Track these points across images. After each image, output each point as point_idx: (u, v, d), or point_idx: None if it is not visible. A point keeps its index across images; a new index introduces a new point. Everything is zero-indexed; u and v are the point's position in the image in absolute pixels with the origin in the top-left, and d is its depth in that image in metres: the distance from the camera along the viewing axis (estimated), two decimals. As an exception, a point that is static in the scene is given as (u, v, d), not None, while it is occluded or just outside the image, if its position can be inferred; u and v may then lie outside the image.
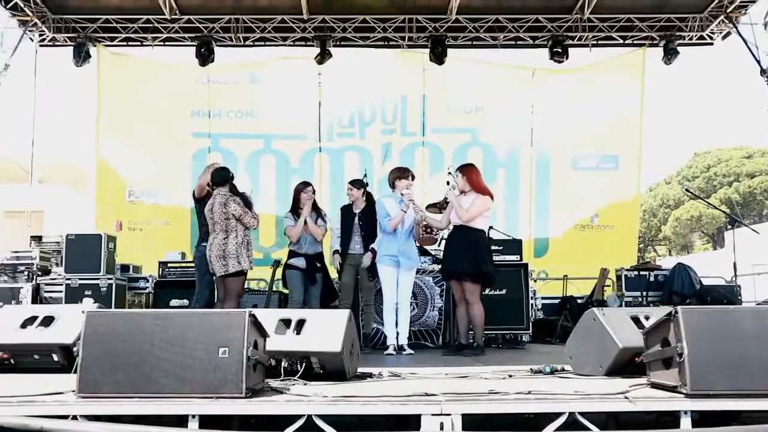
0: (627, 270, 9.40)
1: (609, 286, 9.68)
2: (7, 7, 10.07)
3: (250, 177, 10.76)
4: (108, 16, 10.67)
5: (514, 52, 11.71)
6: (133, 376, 3.19)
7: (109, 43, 11.01)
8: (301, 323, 4.06)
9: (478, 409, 3.04)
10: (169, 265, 8.66)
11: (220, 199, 6.42)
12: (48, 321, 4.63)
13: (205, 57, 10.60)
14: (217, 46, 10.78)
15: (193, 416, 2.99)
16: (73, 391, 3.22)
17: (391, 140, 11.25)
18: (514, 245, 8.30)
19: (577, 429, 3.03)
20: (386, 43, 11.11)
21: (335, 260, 7.35)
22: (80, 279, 8.29)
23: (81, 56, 10.62)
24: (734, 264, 8.86)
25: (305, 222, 7.14)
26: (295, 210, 7.28)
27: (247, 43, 11.04)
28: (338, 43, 10.95)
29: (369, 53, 11.26)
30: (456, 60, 11.05)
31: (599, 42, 11.21)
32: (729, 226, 9.39)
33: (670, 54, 10.84)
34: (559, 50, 10.71)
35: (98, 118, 11.03)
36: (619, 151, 11.33)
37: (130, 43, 11.12)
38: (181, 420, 3.01)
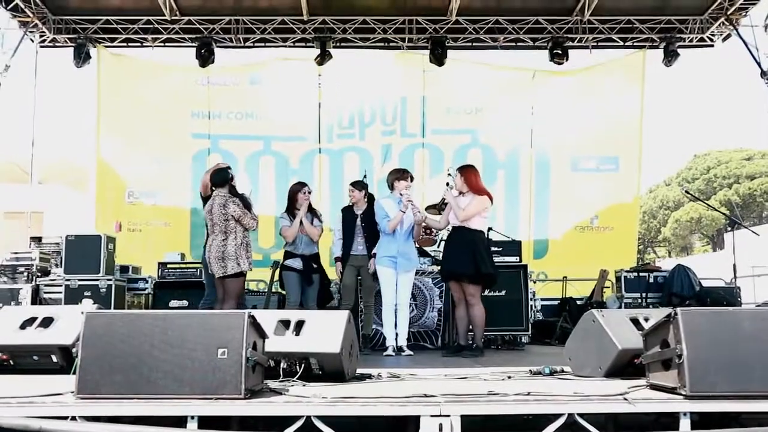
0: (626, 271, 9.40)
1: (608, 287, 9.68)
2: (8, 8, 10.08)
3: (250, 178, 10.77)
4: (108, 17, 10.68)
5: (514, 54, 11.75)
6: (132, 377, 3.19)
7: (109, 44, 11.02)
8: (300, 324, 4.06)
9: (477, 411, 3.04)
10: (169, 266, 8.67)
11: (219, 200, 6.41)
12: (47, 322, 4.63)
13: (205, 58, 10.61)
14: (217, 47, 10.79)
15: (192, 417, 2.98)
16: (72, 392, 3.22)
17: (391, 141, 11.25)
18: (513, 246, 8.30)
19: (576, 430, 3.03)
20: (386, 44, 11.12)
21: (337, 268, 7.35)
22: (80, 280, 8.29)
23: (81, 57, 10.62)
24: (734, 266, 8.85)
25: (301, 222, 7.13)
26: (291, 210, 7.26)
27: (247, 44, 11.05)
28: (338, 44, 10.96)
29: (369, 54, 11.27)
30: (456, 61, 11.06)
31: (599, 44, 11.22)
32: (729, 228, 9.39)
33: (670, 56, 10.85)
34: (559, 52, 10.72)
35: (98, 118, 11.04)
36: (619, 153, 11.33)
37: (130, 44, 11.13)
38: (180, 421, 3.00)
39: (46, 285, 8.72)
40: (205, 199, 6.92)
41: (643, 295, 9.12)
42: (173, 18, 10.59)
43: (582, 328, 4.36)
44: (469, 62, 11.41)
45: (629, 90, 11.33)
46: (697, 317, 3.27)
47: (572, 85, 11.43)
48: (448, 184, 6.73)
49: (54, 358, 4.50)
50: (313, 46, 10.81)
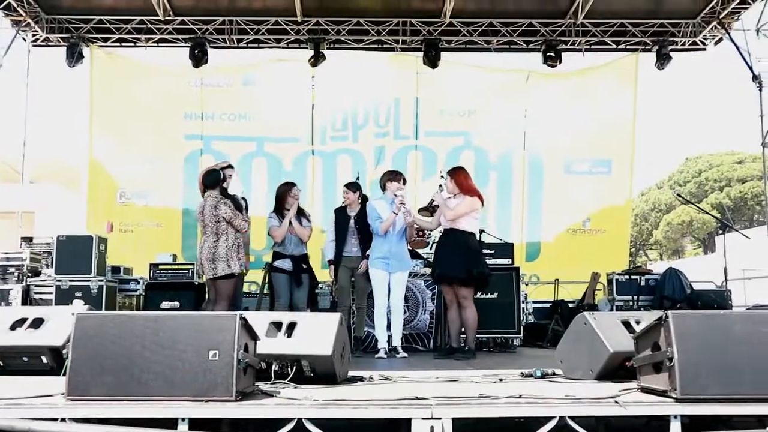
0: (618, 274, 9.42)
1: (600, 290, 9.71)
2: (0, 6, 10.04)
3: (242, 180, 10.72)
4: (101, 17, 10.66)
5: (508, 57, 11.78)
6: (123, 378, 3.17)
7: (102, 43, 10.99)
8: (291, 326, 4.05)
9: (468, 413, 3.04)
10: (160, 267, 8.64)
11: (210, 202, 6.41)
12: (38, 323, 4.60)
13: (198, 58, 10.59)
14: (211, 47, 10.77)
15: (183, 419, 2.97)
16: (62, 393, 3.20)
17: (384, 143, 11.24)
18: (505, 249, 8.31)
19: (567, 433, 3.03)
20: (380, 46, 11.13)
21: (330, 271, 7.34)
22: (70, 280, 8.25)
23: (74, 57, 10.59)
24: (725, 269, 8.88)
25: (290, 223, 7.11)
26: (279, 210, 7.25)
27: (240, 45, 11.04)
28: (332, 45, 10.95)
29: (362, 56, 11.26)
30: (449, 64, 11.07)
31: (592, 47, 11.26)
32: (720, 231, 9.41)
33: (662, 59, 10.89)
34: (553, 55, 10.76)
35: (91, 118, 11.00)
36: (612, 156, 11.36)
37: (123, 44, 11.10)
38: (171, 423, 2.99)
39: (36, 285, 8.66)
40: None
41: (635, 297, 9.15)
42: (167, 18, 10.57)
43: (573, 331, 4.36)
44: (463, 65, 11.42)
45: (622, 93, 11.37)
46: (688, 320, 3.27)
47: (565, 88, 11.45)
48: (441, 186, 6.74)
49: (44, 359, 4.47)
50: (306, 48, 10.81)
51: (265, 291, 7.66)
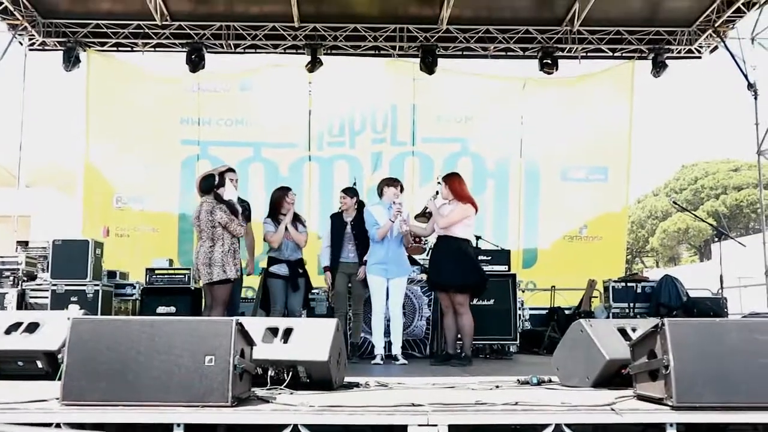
0: (614, 281, 9.44)
1: (596, 297, 9.71)
2: (-3, 10, 10.05)
3: (239, 185, 10.71)
4: (98, 21, 10.65)
5: (504, 64, 11.80)
6: (118, 383, 3.17)
7: (99, 48, 10.98)
8: (288, 332, 4.05)
9: (464, 420, 3.03)
10: (156, 271, 8.62)
11: (206, 207, 6.39)
12: (33, 327, 4.59)
13: (195, 63, 10.59)
14: (208, 52, 10.77)
15: (178, 425, 2.96)
16: (57, 398, 3.19)
17: (381, 149, 11.25)
18: (502, 256, 8.31)
19: (563, 440, 3.03)
20: (377, 52, 11.14)
21: (326, 278, 7.32)
22: (66, 285, 8.21)
23: (71, 61, 10.58)
24: (721, 276, 8.90)
25: (286, 228, 7.09)
26: (275, 215, 7.23)
27: (237, 50, 11.04)
28: (329, 51, 10.96)
29: (360, 62, 11.28)
30: (446, 71, 11.09)
31: (589, 54, 11.29)
32: (716, 239, 9.45)
33: (658, 67, 10.93)
34: (549, 62, 10.79)
35: (87, 123, 10.99)
36: (608, 163, 11.39)
37: (120, 49, 11.09)
38: (166, 428, 2.98)
39: (32, 290, 8.62)
40: None
41: (631, 305, 9.16)
42: (164, 23, 10.57)
43: (570, 338, 4.36)
44: (459, 72, 11.44)
45: (618, 100, 11.41)
46: (684, 328, 3.27)
47: (561, 95, 11.48)
48: (437, 192, 6.75)
49: (39, 364, 4.45)
50: (304, 53, 10.82)
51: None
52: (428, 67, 10.71)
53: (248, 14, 10.69)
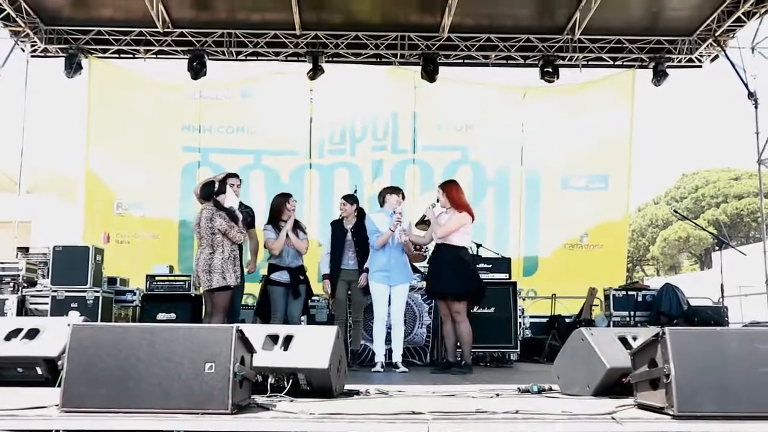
0: (615, 290, 9.43)
1: (597, 305, 9.70)
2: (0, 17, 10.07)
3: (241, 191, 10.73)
4: (100, 28, 10.68)
5: (505, 73, 11.83)
6: (118, 390, 3.16)
7: (101, 55, 11.00)
8: (288, 339, 4.05)
9: (465, 429, 3.03)
10: (157, 278, 8.61)
11: (206, 214, 6.40)
12: (33, 334, 4.59)
13: (197, 70, 10.61)
14: (210, 59, 10.79)
15: (178, 432, 2.96)
16: (57, 405, 3.18)
17: (381, 157, 11.25)
18: (503, 264, 8.31)
19: (564, 449, 3.02)
20: (378, 59, 11.16)
21: (325, 285, 7.31)
22: (66, 291, 8.21)
23: (72, 68, 10.60)
24: (721, 285, 8.90)
25: (287, 235, 7.08)
26: (275, 222, 7.22)
27: (239, 57, 11.06)
28: (330, 59, 10.99)
29: (361, 70, 11.29)
30: (447, 80, 11.11)
31: (590, 62, 11.31)
32: (716, 248, 9.45)
33: (659, 76, 10.95)
34: (550, 70, 10.81)
35: (88, 129, 11.00)
36: (609, 171, 11.39)
37: (122, 56, 11.11)
38: (166, 436, 2.98)
39: (32, 296, 8.62)
40: None
41: (632, 313, 9.15)
42: (165, 30, 10.60)
43: (571, 347, 4.36)
44: (460, 81, 11.46)
45: (619, 108, 11.42)
46: (685, 337, 3.27)
47: (562, 102, 11.50)
48: (437, 200, 6.75)
49: (39, 371, 4.45)
50: (305, 61, 10.85)
51: (253, 303, 7.64)
52: (429, 75, 10.73)
53: (250, 22, 10.72)
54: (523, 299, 9.83)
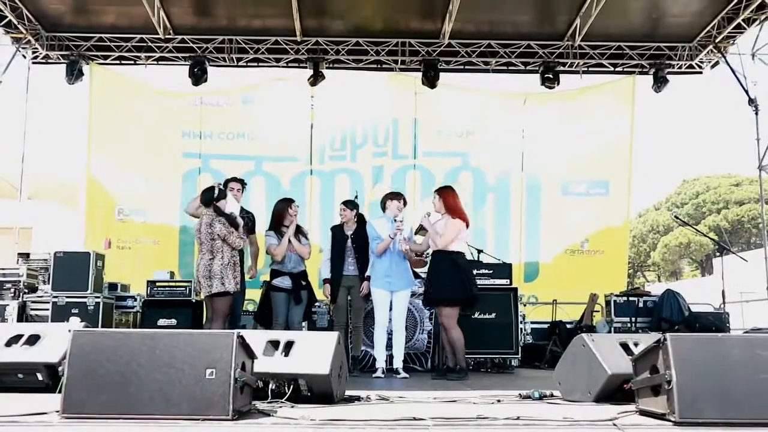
0: (616, 296, 9.40)
1: (598, 311, 9.69)
2: (1, 24, 10.09)
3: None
4: (102, 35, 10.70)
5: (505, 80, 11.84)
6: (119, 396, 3.16)
7: (102, 61, 11.02)
8: (289, 345, 4.05)
9: (466, 435, 3.02)
10: (158, 284, 8.60)
11: (206, 220, 6.41)
12: (33, 339, 4.59)
13: (198, 77, 10.63)
14: (211, 66, 10.81)
15: (179, 438, 2.96)
16: (57, 411, 3.18)
17: (382, 163, 11.26)
18: (503, 269, 8.30)
19: (565, 455, 3.01)
20: (379, 66, 11.17)
21: (325, 290, 7.31)
22: (67, 297, 8.20)
23: (74, 74, 10.62)
24: (723, 291, 8.90)
25: (289, 241, 7.08)
26: (277, 228, 7.22)
27: (240, 63, 11.08)
28: (331, 65, 11.00)
29: (361, 76, 11.30)
30: (447, 86, 11.12)
31: (590, 69, 11.32)
32: (717, 254, 9.43)
33: (659, 82, 10.96)
34: (551, 76, 10.82)
35: (89, 135, 11.00)
36: (609, 177, 11.39)
37: (123, 62, 11.13)
38: (167, 442, 2.98)
39: (33, 302, 8.63)
40: None
41: (633, 319, 9.13)
42: (167, 36, 10.62)
43: (572, 353, 4.35)
44: (461, 88, 11.47)
45: (619, 114, 11.42)
46: (686, 343, 3.27)
47: (562, 108, 11.50)
48: (428, 214, 6.75)
49: (39, 377, 4.45)
50: (306, 67, 10.87)
51: (253, 309, 7.64)
52: (430, 81, 10.75)
53: (251, 28, 10.74)
54: (524, 305, 9.82)
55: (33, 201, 19.86)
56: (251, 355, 3.53)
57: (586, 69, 11.29)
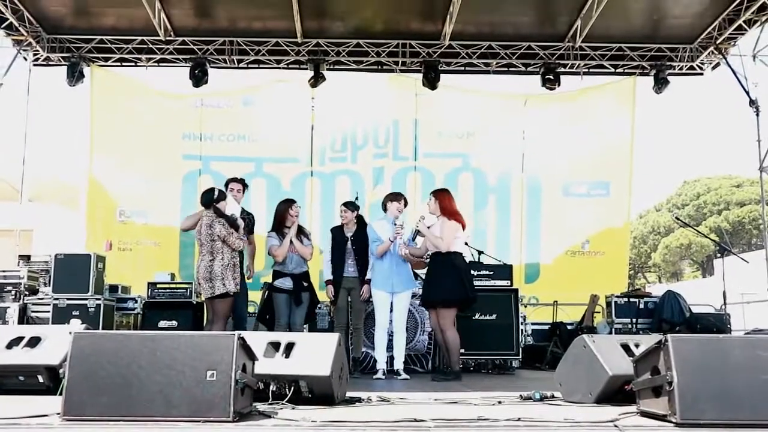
0: (617, 297, 9.40)
1: (599, 312, 9.68)
2: (2, 26, 10.10)
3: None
4: (102, 37, 10.70)
5: (506, 80, 11.83)
6: (120, 398, 3.16)
7: (103, 63, 11.03)
8: (290, 347, 4.04)
9: (467, 436, 3.02)
10: (158, 285, 8.60)
11: (206, 221, 6.42)
12: (34, 342, 4.59)
13: (198, 78, 10.63)
14: (211, 67, 10.81)
15: (179, 440, 2.96)
16: (58, 413, 3.18)
17: (383, 164, 11.25)
18: (504, 271, 8.30)
19: (566, 457, 3.01)
20: (380, 67, 11.17)
21: (328, 291, 7.30)
22: (68, 299, 8.21)
23: (74, 76, 10.62)
24: (723, 292, 8.89)
25: (291, 242, 7.08)
26: (279, 229, 7.22)
27: (241, 65, 11.09)
28: (332, 66, 11.01)
29: (362, 77, 11.30)
30: (448, 88, 11.12)
31: (591, 70, 11.32)
32: (718, 255, 9.42)
33: (660, 83, 10.96)
34: (551, 77, 10.82)
35: (91, 137, 11.01)
36: (610, 178, 11.38)
37: (124, 64, 11.14)
38: (167, 444, 2.98)
39: (34, 304, 8.63)
40: None
41: (633, 320, 9.12)
42: (167, 38, 10.63)
43: (573, 354, 4.35)
44: (461, 89, 11.47)
45: (620, 115, 11.42)
46: (687, 344, 3.27)
47: (563, 109, 11.49)
48: (423, 217, 6.75)
49: (40, 379, 4.45)
50: (306, 68, 10.87)
51: (254, 310, 7.63)
52: (431, 82, 10.75)
53: (251, 30, 10.74)
54: (525, 306, 9.81)
55: (34, 203, 19.85)
56: (252, 357, 3.53)
57: (586, 70, 11.29)
